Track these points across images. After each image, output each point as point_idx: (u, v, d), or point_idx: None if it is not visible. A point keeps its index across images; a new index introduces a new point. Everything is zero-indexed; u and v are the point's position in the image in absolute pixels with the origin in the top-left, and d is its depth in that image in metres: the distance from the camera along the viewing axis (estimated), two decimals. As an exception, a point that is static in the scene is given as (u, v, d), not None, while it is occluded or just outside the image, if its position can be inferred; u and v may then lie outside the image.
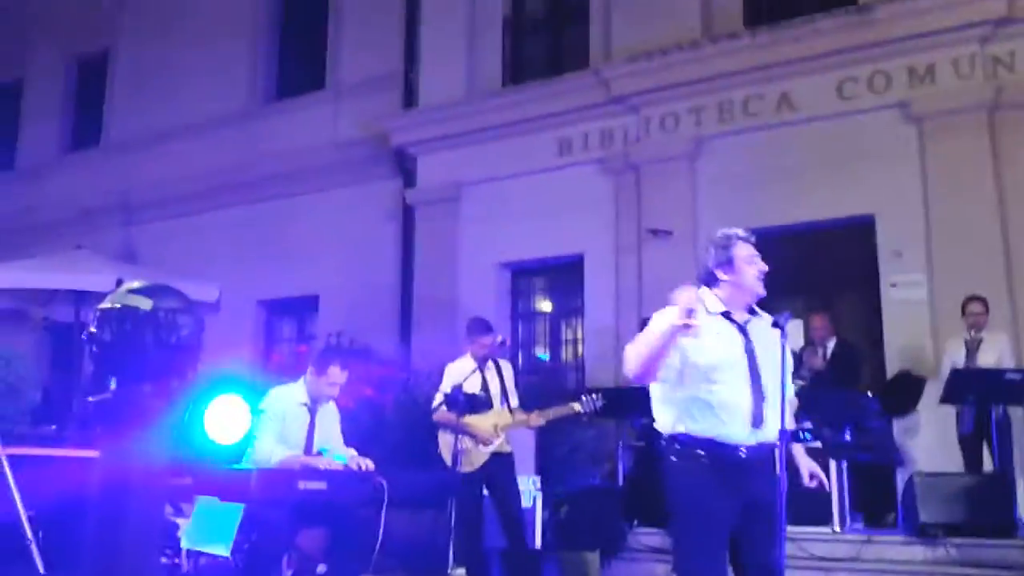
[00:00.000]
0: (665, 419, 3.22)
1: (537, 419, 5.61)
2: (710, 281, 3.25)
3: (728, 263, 3.21)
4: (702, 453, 3.10)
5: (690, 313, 2.94)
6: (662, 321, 3.03)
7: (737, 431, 3.09)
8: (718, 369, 3.10)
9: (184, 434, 4.79)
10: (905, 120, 8.08)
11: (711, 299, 3.22)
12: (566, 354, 9.75)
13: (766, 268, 3.25)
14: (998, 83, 7.80)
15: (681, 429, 3.15)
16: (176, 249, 11.18)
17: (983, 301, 6.81)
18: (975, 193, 7.65)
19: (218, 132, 11.94)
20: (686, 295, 2.98)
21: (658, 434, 3.28)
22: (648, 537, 6.25)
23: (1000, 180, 7.62)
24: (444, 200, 10.19)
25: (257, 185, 11.38)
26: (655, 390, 3.24)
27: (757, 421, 3.12)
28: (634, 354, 3.08)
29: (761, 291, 3.24)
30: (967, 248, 7.50)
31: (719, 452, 3.09)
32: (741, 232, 3.28)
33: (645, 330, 3.13)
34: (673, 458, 3.16)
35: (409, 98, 10.84)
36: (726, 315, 3.21)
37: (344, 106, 11.19)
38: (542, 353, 9.92)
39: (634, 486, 6.77)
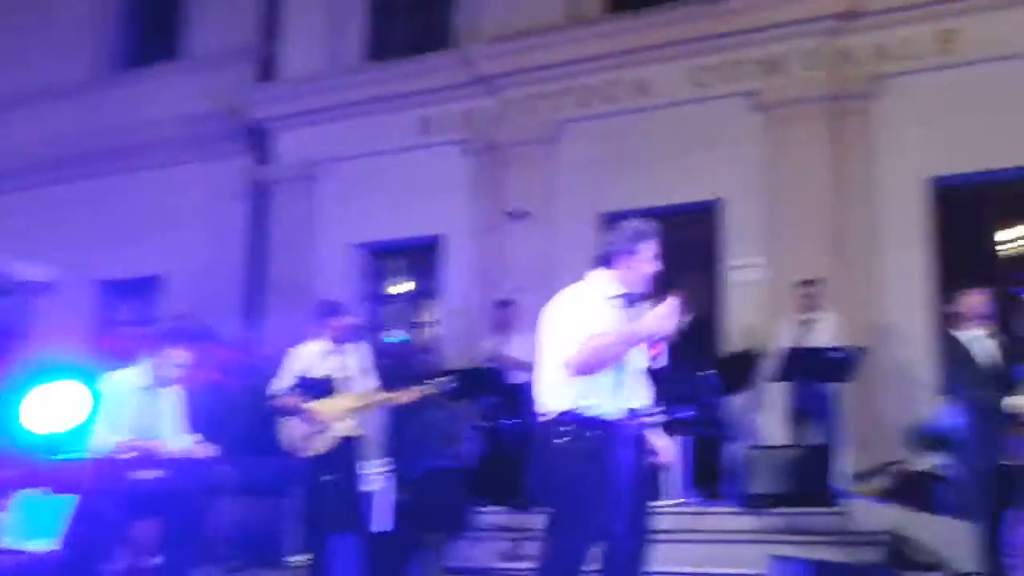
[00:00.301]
0: (558, 401, 3.28)
1: (409, 395, 5.57)
2: (610, 261, 3.39)
3: (635, 253, 3.36)
4: (589, 434, 3.20)
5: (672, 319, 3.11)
6: (640, 326, 3.14)
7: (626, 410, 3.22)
8: None
9: (5, 424, 4.52)
10: (753, 109, 8.37)
11: (610, 281, 3.37)
12: (422, 336, 9.70)
13: (660, 269, 3.42)
14: (840, 75, 8.16)
15: (577, 407, 3.23)
16: (8, 226, 10.44)
17: (816, 283, 7.13)
18: (814, 181, 8.01)
19: (56, 103, 11.20)
20: (663, 308, 3.13)
21: (541, 416, 3.34)
22: (494, 516, 6.32)
23: (837, 169, 7.99)
24: (301, 178, 9.94)
25: (98, 159, 10.72)
26: (551, 374, 3.31)
27: (644, 400, 3.30)
28: (598, 355, 3.17)
29: (648, 288, 3.41)
30: (804, 233, 7.85)
31: (609, 431, 3.19)
32: (652, 229, 3.42)
33: (582, 329, 3.20)
34: (558, 440, 3.24)
35: (266, 72, 10.49)
36: (623, 297, 3.36)
37: (196, 78, 10.64)
38: (398, 335, 9.84)
39: (482, 466, 6.84)
